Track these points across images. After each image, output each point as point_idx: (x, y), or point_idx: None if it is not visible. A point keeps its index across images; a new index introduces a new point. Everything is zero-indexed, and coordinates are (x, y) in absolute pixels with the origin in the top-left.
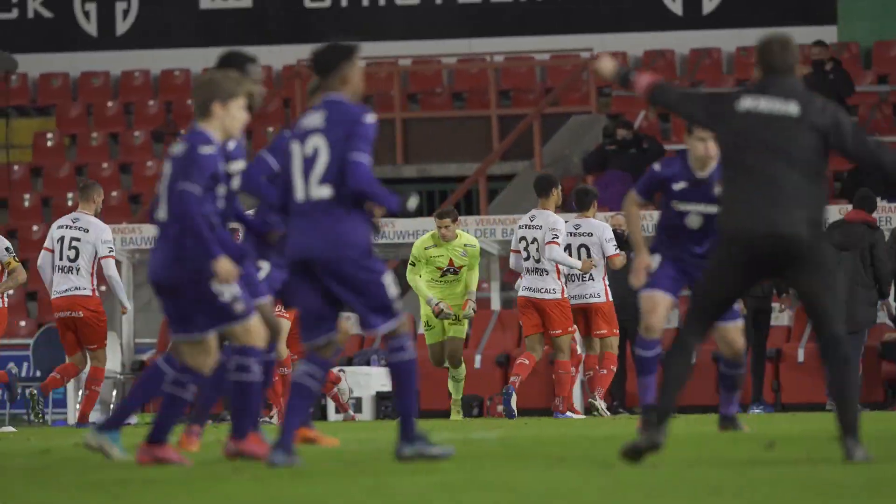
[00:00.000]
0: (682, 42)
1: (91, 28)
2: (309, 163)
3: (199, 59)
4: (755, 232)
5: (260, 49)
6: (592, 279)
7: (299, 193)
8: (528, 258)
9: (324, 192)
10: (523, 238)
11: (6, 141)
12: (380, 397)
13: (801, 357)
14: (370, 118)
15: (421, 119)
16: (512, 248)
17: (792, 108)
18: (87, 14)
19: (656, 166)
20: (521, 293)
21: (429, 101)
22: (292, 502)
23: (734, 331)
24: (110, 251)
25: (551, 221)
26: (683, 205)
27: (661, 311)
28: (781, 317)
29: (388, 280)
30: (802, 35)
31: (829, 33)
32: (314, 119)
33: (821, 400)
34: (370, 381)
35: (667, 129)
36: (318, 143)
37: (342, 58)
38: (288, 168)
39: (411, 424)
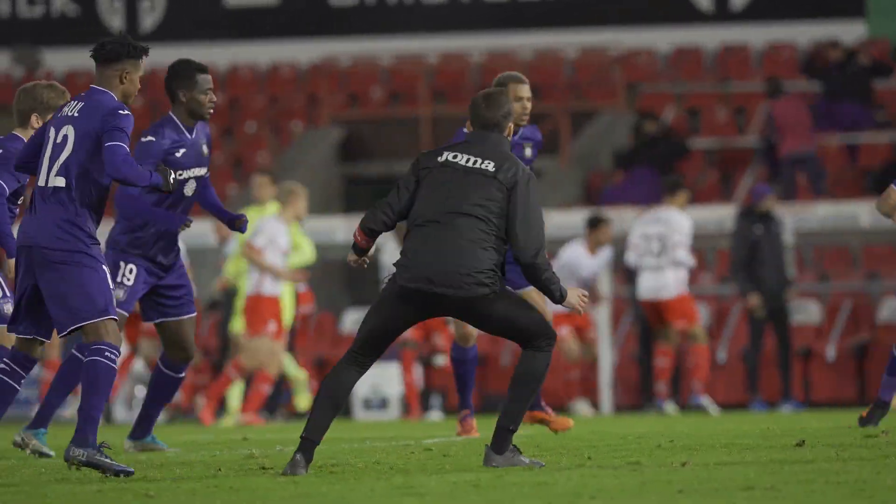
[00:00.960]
0: (711, 38)
1: (117, 24)
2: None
3: (226, 55)
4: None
5: (286, 45)
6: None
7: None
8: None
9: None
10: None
11: None
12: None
13: (830, 355)
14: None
15: (448, 116)
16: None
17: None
18: (113, 10)
19: None
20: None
21: (456, 97)
22: (321, 500)
23: None
24: None
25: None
26: None
27: None
28: (811, 315)
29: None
30: (832, 30)
31: (857, 28)
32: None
33: (850, 397)
34: (395, 378)
35: (696, 125)
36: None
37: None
38: None
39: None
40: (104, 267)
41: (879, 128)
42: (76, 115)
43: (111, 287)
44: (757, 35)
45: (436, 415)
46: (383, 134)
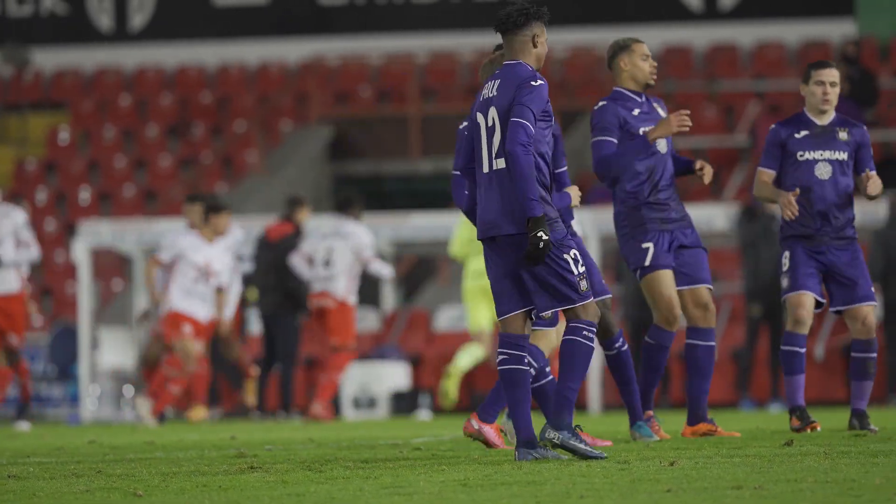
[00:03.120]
0: (700, 36)
1: (106, 23)
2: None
3: (215, 54)
4: None
5: (275, 43)
6: None
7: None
8: None
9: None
10: None
11: (20, 136)
12: (395, 394)
13: (819, 354)
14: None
15: (437, 114)
16: None
17: None
18: (101, 9)
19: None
20: None
21: (445, 95)
22: (310, 499)
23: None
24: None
25: None
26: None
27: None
28: None
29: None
30: (821, 29)
31: (847, 26)
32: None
33: (839, 396)
34: (384, 377)
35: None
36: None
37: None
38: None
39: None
40: (573, 242)
41: (869, 126)
42: (495, 94)
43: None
44: (746, 34)
45: (424, 414)
46: (373, 132)
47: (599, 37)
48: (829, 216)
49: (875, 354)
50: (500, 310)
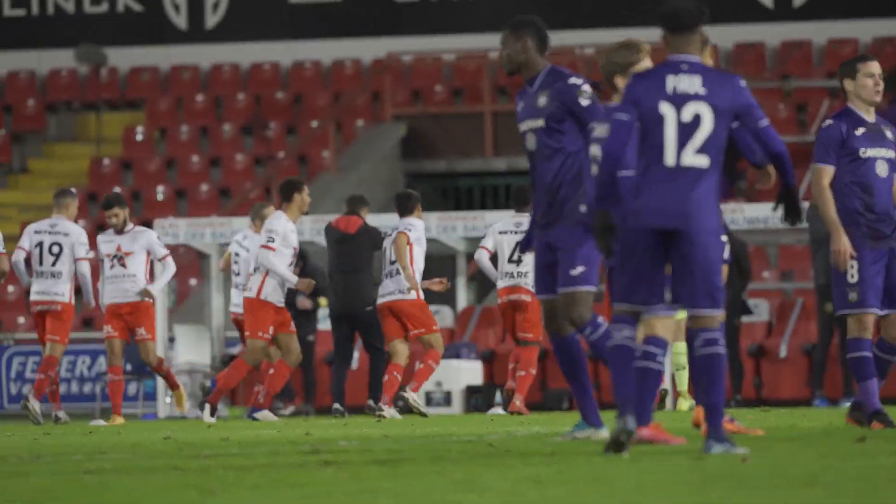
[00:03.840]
0: (772, 34)
1: (181, 21)
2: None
3: (289, 52)
4: None
5: (349, 42)
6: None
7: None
8: None
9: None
10: None
11: (96, 135)
12: (469, 391)
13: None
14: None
15: (511, 111)
16: None
17: None
18: (176, 7)
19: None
20: None
21: (518, 93)
22: (384, 495)
23: None
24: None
25: None
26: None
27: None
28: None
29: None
30: (893, 26)
31: None
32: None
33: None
34: (460, 374)
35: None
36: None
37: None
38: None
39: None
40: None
41: None
42: (702, 91)
43: None
44: (818, 32)
45: (499, 410)
46: (446, 130)
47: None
48: (892, 215)
49: None
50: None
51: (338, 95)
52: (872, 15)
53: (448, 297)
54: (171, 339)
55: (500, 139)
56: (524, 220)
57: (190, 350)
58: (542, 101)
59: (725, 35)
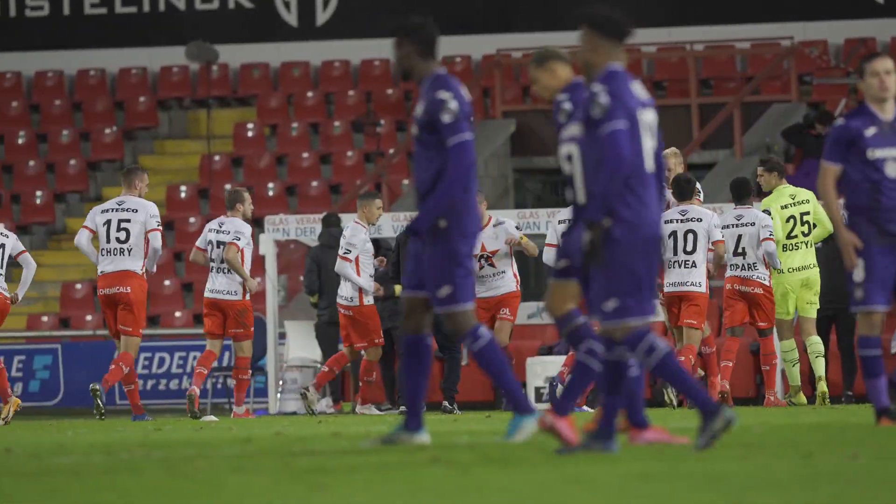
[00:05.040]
0: (883, 30)
1: (291, 18)
2: None
3: None
4: None
5: (461, 38)
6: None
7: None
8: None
9: None
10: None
11: (207, 131)
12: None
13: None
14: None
15: None
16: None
17: None
18: (287, 4)
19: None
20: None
21: None
22: (494, 490)
23: None
24: (158, 224)
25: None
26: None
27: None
28: None
29: None
30: None
31: None
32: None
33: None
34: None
35: None
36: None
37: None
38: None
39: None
40: None
41: None
42: (647, 98)
43: None
44: None
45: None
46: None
47: (781, 31)
48: None
49: None
50: None
51: None
52: None
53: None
54: (282, 335)
55: None
56: (745, 212)
57: (300, 346)
58: (419, 109)
59: (836, 30)
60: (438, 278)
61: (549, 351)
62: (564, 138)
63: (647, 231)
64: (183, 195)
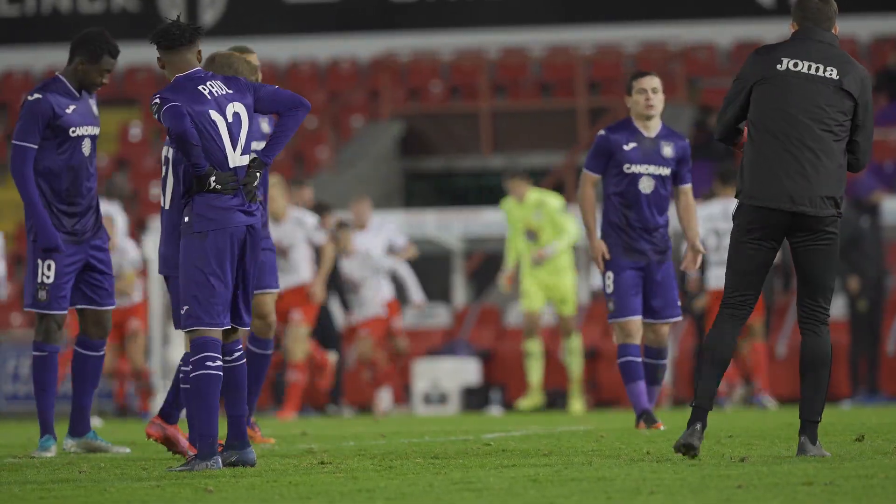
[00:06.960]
0: (771, 32)
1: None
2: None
3: (286, 50)
4: (773, 202)
5: (346, 40)
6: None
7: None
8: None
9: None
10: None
11: None
12: (465, 390)
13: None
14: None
15: (508, 110)
16: None
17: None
18: (173, 4)
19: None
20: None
21: (516, 91)
22: (380, 495)
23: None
24: None
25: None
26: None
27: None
28: None
29: None
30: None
31: None
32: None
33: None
34: (455, 372)
35: None
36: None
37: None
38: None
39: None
40: None
41: None
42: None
43: None
44: None
45: (495, 410)
46: (443, 128)
47: (669, 33)
48: (651, 231)
49: (665, 362)
50: None
51: (334, 94)
52: (873, 10)
53: (444, 295)
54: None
55: (497, 137)
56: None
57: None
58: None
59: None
60: None
61: None
62: None
63: None
64: None
